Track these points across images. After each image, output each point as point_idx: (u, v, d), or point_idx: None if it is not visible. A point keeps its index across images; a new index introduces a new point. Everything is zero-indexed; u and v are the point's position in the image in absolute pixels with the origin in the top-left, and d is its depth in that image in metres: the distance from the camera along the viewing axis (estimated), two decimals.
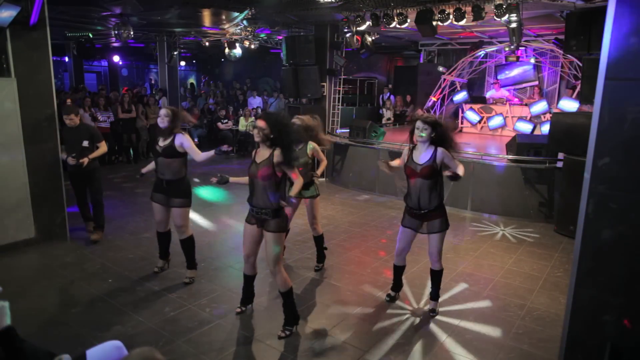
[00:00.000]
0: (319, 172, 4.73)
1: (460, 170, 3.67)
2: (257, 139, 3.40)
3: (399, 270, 4.17)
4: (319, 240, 4.88)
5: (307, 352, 3.38)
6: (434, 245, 3.83)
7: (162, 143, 4.26)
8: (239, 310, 3.89)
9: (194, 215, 6.78)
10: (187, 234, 4.45)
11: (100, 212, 5.64)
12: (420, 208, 3.73)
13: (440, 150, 3.65)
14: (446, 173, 3.72)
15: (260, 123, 3.36)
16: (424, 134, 3.61)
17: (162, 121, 4.24)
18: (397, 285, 4.24)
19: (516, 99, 11.86)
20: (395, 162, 3.99)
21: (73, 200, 5.67)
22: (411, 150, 3.79)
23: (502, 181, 7.20)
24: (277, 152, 3.36)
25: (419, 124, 3.63)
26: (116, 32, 9.42)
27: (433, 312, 3.98)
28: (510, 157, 7.30)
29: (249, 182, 3.51)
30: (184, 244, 4.48)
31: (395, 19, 8.02)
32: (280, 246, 3.52)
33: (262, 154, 3.44)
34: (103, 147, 5.47)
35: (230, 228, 6.28)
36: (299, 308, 3.73)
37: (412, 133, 3.75)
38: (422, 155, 3.70)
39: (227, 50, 12.18)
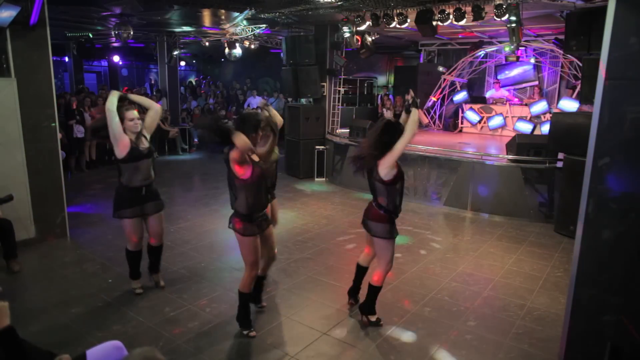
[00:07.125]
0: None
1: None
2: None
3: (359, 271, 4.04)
4: None
5: (308, 351, 3.38)
6: (377, 251, 3.66)
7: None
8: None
9: (194, 215, 6.78)
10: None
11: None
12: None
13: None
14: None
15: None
16: None
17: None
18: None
19: (516, 99, 11.85)
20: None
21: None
22: None
23: (502, 181, 7.20)
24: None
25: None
26: (116, 32, 9.43)
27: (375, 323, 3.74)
28: (510, 157, 7.30)
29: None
30: (161, 249, 4.39)
31: (395, 19, 8.02)
32: None
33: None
34: None
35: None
36: (299, 308, 3.72)
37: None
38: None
39: (227, 50, 12.17)
